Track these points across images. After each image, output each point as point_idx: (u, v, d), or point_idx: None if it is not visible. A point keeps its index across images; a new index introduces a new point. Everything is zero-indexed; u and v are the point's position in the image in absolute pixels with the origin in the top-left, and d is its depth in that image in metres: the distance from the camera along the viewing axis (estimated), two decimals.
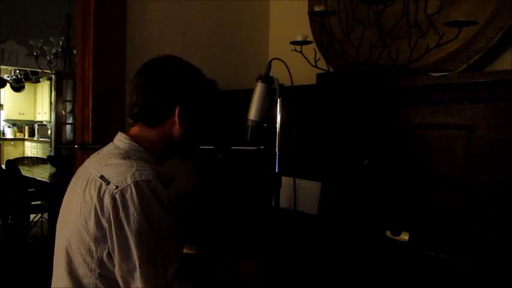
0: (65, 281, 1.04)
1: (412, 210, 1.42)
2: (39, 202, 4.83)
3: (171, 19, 2.16)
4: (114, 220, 0.97)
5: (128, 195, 0.98)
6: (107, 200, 0.98)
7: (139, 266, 0.97)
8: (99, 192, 1.00)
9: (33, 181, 4.56)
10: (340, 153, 1.61)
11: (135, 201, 0.98)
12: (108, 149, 1.15)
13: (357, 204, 1.53)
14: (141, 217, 0.98)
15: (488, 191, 1.27)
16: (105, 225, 0.98)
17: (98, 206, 0.98)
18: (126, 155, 1.09)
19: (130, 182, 0.99)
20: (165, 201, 1.03)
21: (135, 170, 1.02)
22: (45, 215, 4.95)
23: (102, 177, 1.02)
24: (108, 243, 0.99)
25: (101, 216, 0.98)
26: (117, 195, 0.98)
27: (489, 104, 1.28)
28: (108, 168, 1.04)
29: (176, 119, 1.15)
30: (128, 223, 0.97)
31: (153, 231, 0.99)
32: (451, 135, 1.37)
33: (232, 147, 1.50)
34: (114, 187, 0.99)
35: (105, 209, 0.98)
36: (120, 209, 0.97)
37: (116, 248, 0.98)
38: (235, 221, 1.75)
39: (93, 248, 1.00)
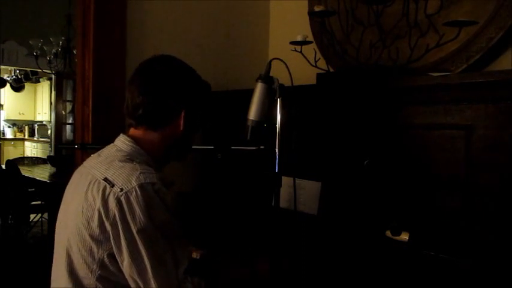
0: (65, 282, 1.04)
1: (412, 210, 1.42)
2: (39, 202, 4.84)
3: (171, 19, 2.16)
4: (120, 223, 0.97)
5: (133, 198, 0.98)
6: (111, 203, 0.98)
7: (150, 267, 0.98)
8: (103, 194, 1.00)
9: (33, 181, 4.56)
10: (340, 153, 1.61)
11: (141, 203, 0.98)
12: (110, 151, 1.14)
13: (357, 204, 1.53)
14: (147, 219, 0.98)
15: (488, 191, 1.27)
16: (109, 227, 0.98)
17: (102, 208, 0.98)
18: (129, 158, 1.09)
19: (135, 184, 0.99)
20: (169, 203, 1.03)
21: (140, 173, 1.02)
22: (45, 215, 4.96)
23: (106, 179, 1.02)
24: (111, 245, 0.99)
25: (104, 218, 0.98)
26: (122, 198, 0.98)
27: (489, 104, 1.28)
28: (112, 171, 1.04)
29: (181, 121, 1.15)
30: (135, 225, 0.97)
31: (161, 231, 1.00)
32: (451, 135, 1.37)
33: (232, 147, 1.50)
34: (119, 189, 0.99)
35: (110, 211, 0.98)
36: (127, 211, 0.97)
37: (124, 250, 0.97)
38: (235, 221, 1.75)
39: (94, 249, 1.00)
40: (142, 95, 1.12)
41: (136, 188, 0.99)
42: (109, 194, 0.99)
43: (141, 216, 0.97)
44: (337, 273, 1.37)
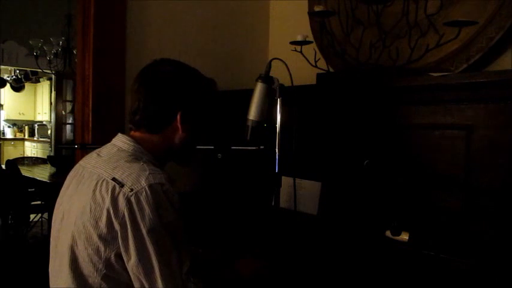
0: (68, 280, 1.04)
1: (412, 210, 1.42)
2: (39, 202, 4.83)
3: (171, 19, 2.16)
4: (130, 222, 0.98)
5: (142, 198, 0.99)
6: (121, 203, 0.99)
7: (158, 266, 0.98)
8: (112, 194, 1.00)
9: (33, 181, 4.55)
10: (340, 153, 1.61)
11: (151, 203, 0.99)
12: (111, 150, 1.15)
13: (357, 204, 1.53)
14: (156, 219, 0.99)
15: (488, 191, 1.27)
16: (117, 227, 0.98)
17: (111, 207, 0.99)
18: (135, 157, 1.10)
19: (145, 184, 1.00)
20: (176, 203, 1.04)
21: (149, 173, 1.03)
22: (45, 215, 4.95)
23: (114, 179, 1.02)
24: (118, 244, 0.99)
25: (113, 218, 0.98)
26: (132, 198, 0.99)
27: (489, 104, 1.28)
28: (120, 171, 1.04)
29: (178, 124, 1.15)
30: (145, 225, 0.98)
31: (168, 232, 1.01)
32: (451, 135, 1.37)
33: (232, 147, 1.51)
34: (129, 190, 1.00)
35: (119, 211, 0.98)
36: (137, 211, 0.98)
37: (132, 250, 0.98)
38: (236, 221, 1.75)
39: (101, 248, 1.00)
40: (138, 100, 1.14)
41: (146, 189, 1.00)
42: (118, 194, 1.00)
43: (150, 216, 0.98)
44: (337, 273, 1.37)
